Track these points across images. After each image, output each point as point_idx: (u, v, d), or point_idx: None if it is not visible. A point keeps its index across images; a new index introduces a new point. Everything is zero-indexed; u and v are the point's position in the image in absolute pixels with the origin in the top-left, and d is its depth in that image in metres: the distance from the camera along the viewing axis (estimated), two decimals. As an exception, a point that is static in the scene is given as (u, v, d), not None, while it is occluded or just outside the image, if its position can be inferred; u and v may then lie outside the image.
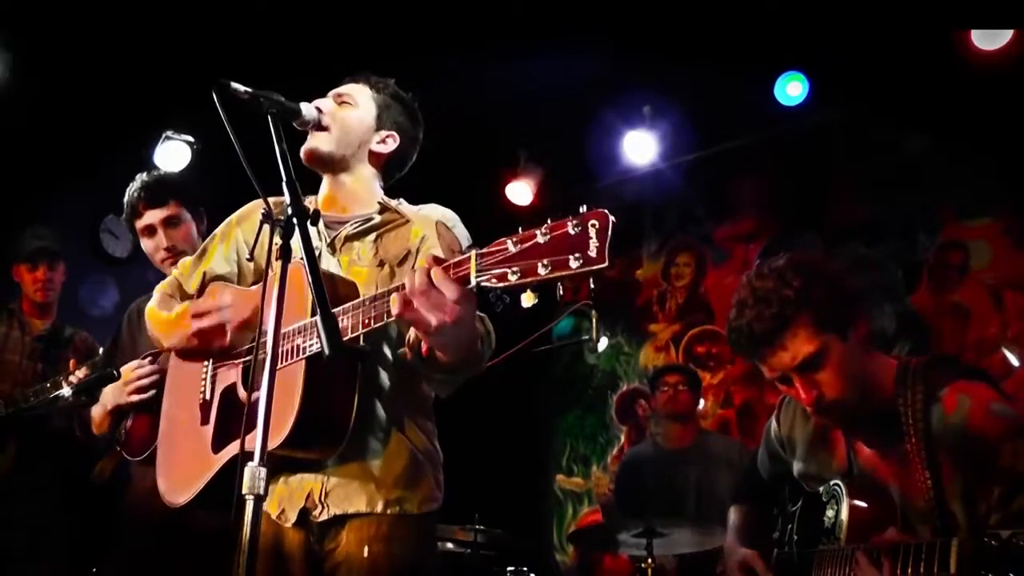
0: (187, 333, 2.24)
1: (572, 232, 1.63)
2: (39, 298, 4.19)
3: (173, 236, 3.26)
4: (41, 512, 3.88)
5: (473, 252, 1.76)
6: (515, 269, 1.67)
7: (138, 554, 3.03)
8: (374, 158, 2.45)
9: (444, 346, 1.96)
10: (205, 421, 2.30)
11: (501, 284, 1.70)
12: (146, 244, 3.32)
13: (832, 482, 2.38)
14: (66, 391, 3.15)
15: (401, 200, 2.43)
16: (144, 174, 3.36)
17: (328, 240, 2.35)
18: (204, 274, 2.47)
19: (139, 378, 3.00)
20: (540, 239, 1.66)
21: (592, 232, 1.61)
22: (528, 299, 1.69)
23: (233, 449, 2.17)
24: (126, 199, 3.32)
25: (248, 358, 2.23)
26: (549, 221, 1.67)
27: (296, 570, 2.20)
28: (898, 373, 2.29)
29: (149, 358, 3.06)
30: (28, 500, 3.86)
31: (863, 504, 2.30)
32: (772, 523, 2.67)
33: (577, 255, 1.61)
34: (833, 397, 2.22)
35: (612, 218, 1.62)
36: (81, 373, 3.50)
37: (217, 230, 2.52)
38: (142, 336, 3.29)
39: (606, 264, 1.60)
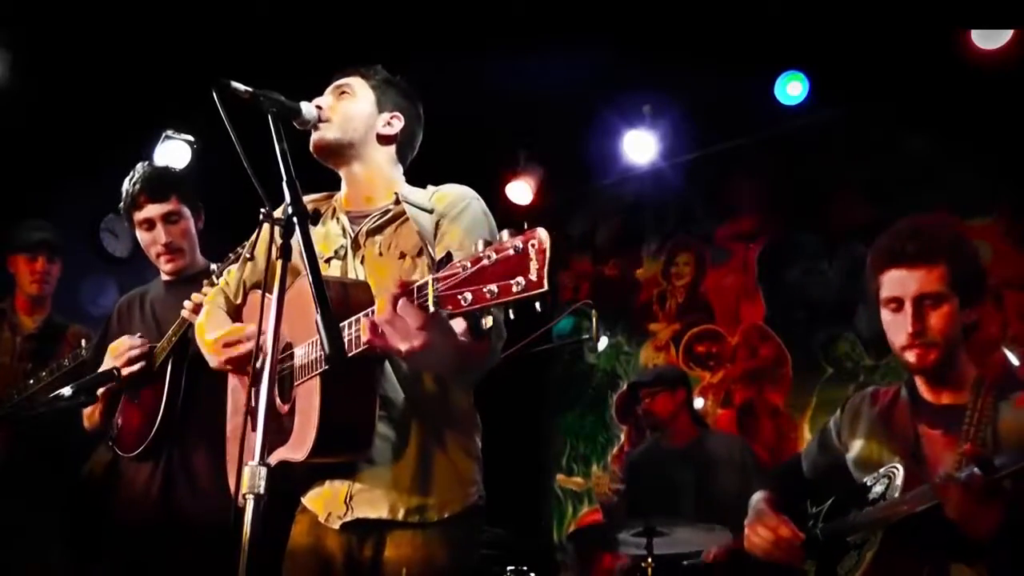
0: (221, 360, 2.32)
1: (513, 253, 1.62)
2: (34, 290, 4.14)
3: (172, 232, 3.25)
4: (34, 511, 3.87)
5: (430, 277, 1.75)
6: (466, 294, 1.67)
7: (132, 552, 3.04)
8: (384, 141, 2.43)
9: (423, 368, 2.00)
10: (254, 428, 2.32)
11: (457, 310, 1.69)
12: (143, 237, 3.31)
13: (890, 464, 2.44)
14: (66, 390, 3.16)
15: (410, 190, 2.39)
16: (145, 165, 3.35)
17: (352, 237, 2.34)
18: (244, 283, 2.51)
19: (129, 349, 3.02)
20: (486, 261, 1.65)
21: (532, 252, 1.60)
22: (487, 323, 1.69)
23: (275, 457, 2.19)
24: (126, 188, 3.30)
25: (283, 367, 2.24)
26: (499, 237, 1.66)
27: (338, 574, 2.21)
28: (975, 379, 2.44)
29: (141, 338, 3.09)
30: (20, 498, 3.85)
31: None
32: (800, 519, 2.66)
33: (519, 279, 1.60)
34: (932, 338, 2.40)
35: (548, 238, 1.60)
36: (67, 362, 3.52)
37: (252, 238, 2.51)
38: (132, 328, 3.31)
39: (545, 288, 1.58)
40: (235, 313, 2.53)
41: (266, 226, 1.95)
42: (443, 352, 1.91)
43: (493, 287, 1.63)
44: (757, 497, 2.76)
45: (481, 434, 2.39)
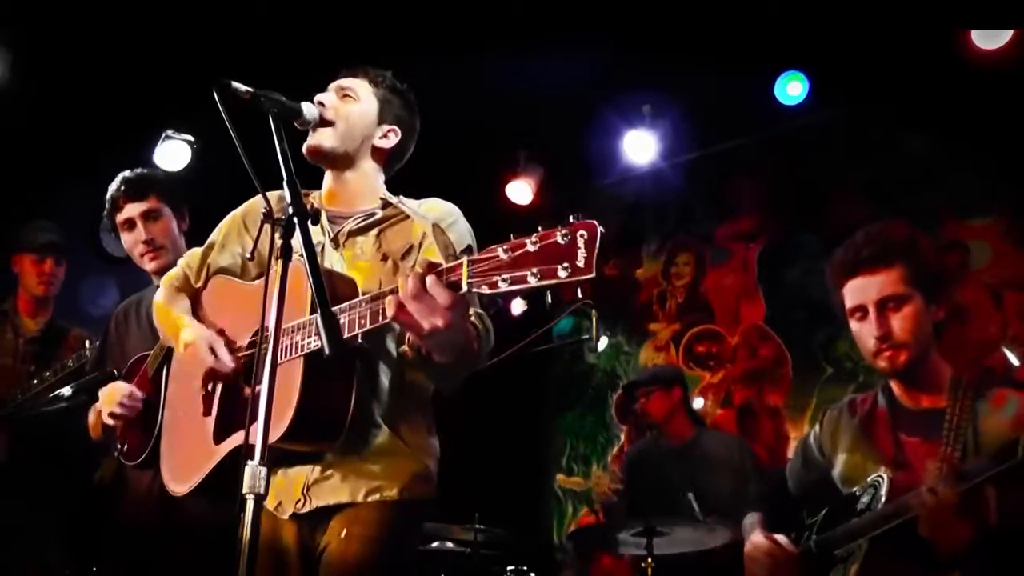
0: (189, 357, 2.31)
1: (561, 242, 1.66)
2: (40, 291, 4.15)
3: (152, 230, 3.26)
4: (36, 511, 3.87)
5: (465, 259, 1.78)
6: (505, 277, 1.70)
7: (135, 556, 3.04)
8: (377, 153, 2.46)
9: (437, 348, 1.99)
10: (207, 412, 2.31)
11: (492, 291, 1.72)
12: (126, 238, 3.32)
13: (875, 474, 2.44)
14: (66, 391, 3.16)
15: (401, 197, 2.43)
16: (127, 171, 3.36)
17: (331, 235, 2.36)
18: (208, 267, 2.50)
19: (121, 404, 2.99)
20: (530, 247, 1.69)
21: (580, 242, 1.65)
22: (519, 306, 1.72)
23: (234, 441, 2.19)
24: (108, 194, 3.32)
25: (249, 352, 2.25)
26: (540, 229, 1.70)
27: (292, 563, 2.22)
28: (952, 381, 2.44)
29: (137, 390, 3.06)
30: (22, 498, 3.85)
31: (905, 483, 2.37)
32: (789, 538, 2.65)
33: (565, 264, 1.64)
34: (900, 339, 2.41)
35: (601, 229, 1.65)
36: (71, 363, 3.52)
37: (222, 223, 2.54)
38: (128, 334, 3.31)
39: (593, 275, 1.63)
40: (194, 297, 2.52)
41: (261, 225, 1.95)
42: (459, 336, 1.94)
43: (536, 271, 1.67)
44: (750, 521, 2.77)
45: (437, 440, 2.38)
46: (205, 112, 2.02)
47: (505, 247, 1.72)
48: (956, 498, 2.17)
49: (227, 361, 2.24)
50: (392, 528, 2.20)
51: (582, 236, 1.65)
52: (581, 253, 1.64)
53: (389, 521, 2.19)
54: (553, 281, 1.65)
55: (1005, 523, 2.18)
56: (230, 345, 2.30)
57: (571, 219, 1.68)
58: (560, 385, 6.84)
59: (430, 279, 1.81)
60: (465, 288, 1.77)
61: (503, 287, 1.70)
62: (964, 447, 2.31)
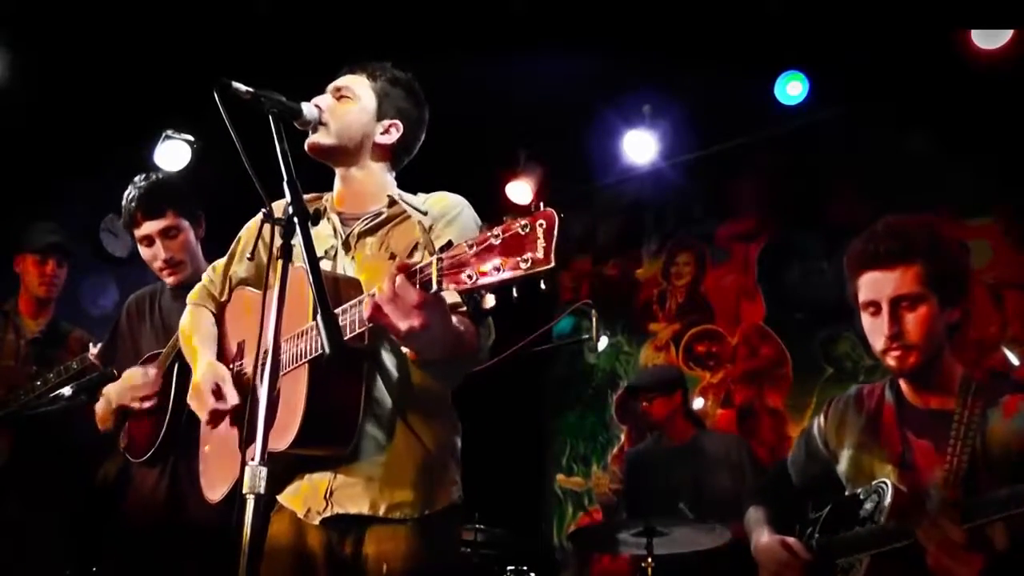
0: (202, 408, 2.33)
1: (521, 232, 1.63)
2: (42, 292, 4.15)
3: (170, 247, 3.27)
4: (38, 510, 3.88)
5: (434, 257, 1.77)
6: (470, 273, 1.68)
7: (138, 555, 3.05)
8: (381, 150, 2.43)
9: (420, 349, 1.99)
10: (233, 423, 2.32)
11: (460, 288, 1.70)
12: (144, 253, 3.33)
13: (879, 479, 2.41)
14: (66, 390, 3.16)
15: (402, 192, 2.42)
16: (141, 179, 3.34)
17: (343, 238, 2.35)
18: (230, 279, 2.51)
19: (144, 385, 3.02)
20: (493, 240, 1.67)
21: (540, 232, 1.61)
22: (488, 301, 1.70)
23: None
24: (123, 205, 3.32)
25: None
26: (504, 220, 1.68)
27: (319, 570, 2.20)
28: (962, 381, 2.39)
29: (153, 368, 3.07)
30: (23, 500, 3.85)
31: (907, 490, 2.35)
32: (794, 531, 2.63)
33: (526, 256, 1.62)
34: (911, 340, 2.36)
35: (559, 216, 1.62)
36: (75, 364, 3.53)
37: (241, 234, 2.54)
38: (141, 330, 3.32)
39: (552, 264, 1.60)
40: (220, 310, 2.53)
41: (261, 225, 1.95)
42: (440, 335, 1.93)
43: (499, 264, 1.64)
44: (756, 517, 2.73)
45: (460, 436, 2.37)
46: (206, 112, 2.02)
47: (470, 242, 1.70)
48: (964, 537, 2.13)
49: (231, 400, 2.27)
50: (429, 553, 2.18)
51: (540, 225, 1.61)
52: (540, 243, 1.60)
53: (426, 546, 2.17)
54: (516, 273, 1.62)
55: (1016, 550, 2.14)
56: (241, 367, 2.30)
57: (532, 208, 1.65)
58: (560, 385, 6.84)
59: (399, 280, 1.81)
60: (434, 287, 1.75)
61: (469, 283, 1.68)
62: (972, 454, 2.28)
